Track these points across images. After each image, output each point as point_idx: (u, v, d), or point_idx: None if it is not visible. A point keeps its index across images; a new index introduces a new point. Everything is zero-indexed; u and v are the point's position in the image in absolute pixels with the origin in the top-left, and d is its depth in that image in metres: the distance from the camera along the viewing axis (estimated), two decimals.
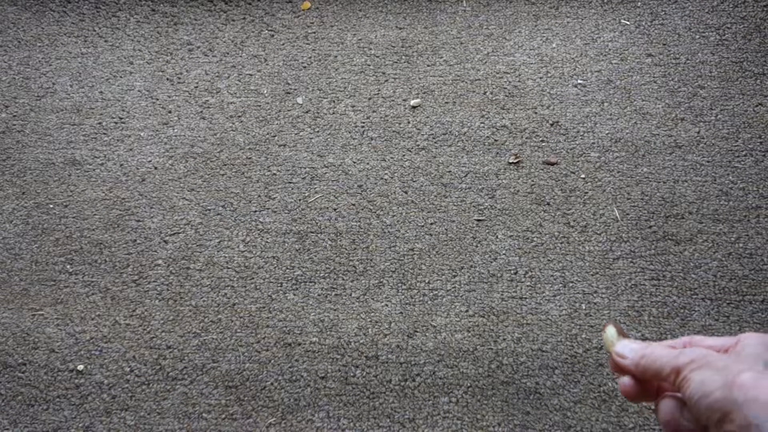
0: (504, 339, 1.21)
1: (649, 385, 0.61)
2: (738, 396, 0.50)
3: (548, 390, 1.16)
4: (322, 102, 1.51)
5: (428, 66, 1.57)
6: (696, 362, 0.54)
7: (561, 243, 1.32)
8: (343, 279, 1.29)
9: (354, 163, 1.43)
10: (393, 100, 1.51)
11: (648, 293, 1.25)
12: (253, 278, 1.30)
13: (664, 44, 1.58)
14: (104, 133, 1.50)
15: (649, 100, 1.49)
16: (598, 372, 1.18)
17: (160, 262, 1.32)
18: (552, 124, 1.47)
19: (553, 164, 1.41)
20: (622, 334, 0.72)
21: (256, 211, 1.37)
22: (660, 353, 0.59)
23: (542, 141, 1.44)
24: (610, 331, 0.73)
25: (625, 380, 0.63)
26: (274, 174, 1.42)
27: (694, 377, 0.53)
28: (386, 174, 1.41)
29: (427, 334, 1.22)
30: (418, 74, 1.54)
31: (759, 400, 0.49)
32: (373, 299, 1.27)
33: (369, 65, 1.57)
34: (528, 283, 1.27)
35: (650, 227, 1.33)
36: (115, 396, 1.18)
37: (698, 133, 1.44)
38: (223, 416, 1.16)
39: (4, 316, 1.27)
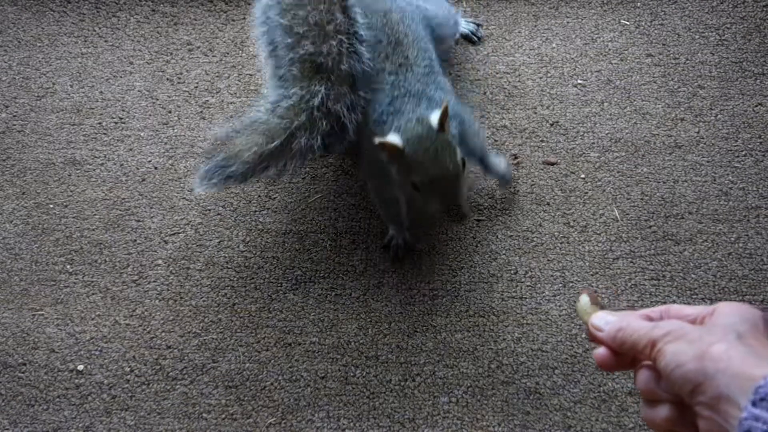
0: (504, 339, 1.21)
1: (625, 355, 0.61)
2: (709, 367, 0.49)
3: (548, 390, 1.16)
4: None
5: None
6: (671, 334, 0.54)
7: (561, 243, 1.32)
8: (343, 279, 1.29)
9: (354, 163, 1.43)
10: None
11: (648, 293, 1.25)
12: (253, 278, 1.30)
13: (664, 44, 1.58)
14: (104, 133, 1.50)
15: (648, 100, 1.49)
16: (598, 372, 1.18)
17: (160, 262, 1.32)
18: (552, 124, 1.47)
19: (552, 164, 1.41)
20: (596, 303, 0.71)
21: (256, 211, 1.37)
22: (636, 326, 0.58)
23: (542, 141, 1.44)
24: (584, 300, 0.72)
25: (601, 351, 0.63)
26: None
27: (668, 349, 0.53)
28: None
29: (427, 334, 1.22)
30: None
31: (729, 372, 0.48)
32: (373, 299, 1.27)
33: None
34: (528, 283, 1.27)
35: (650, 227, 1.33)
36: (115, 396, 1.18)
37: (698, 133, 1.44)
38: (223, 416, 1.16)
39: (4, 316, 1.27)
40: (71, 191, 1.42)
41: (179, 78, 1.58)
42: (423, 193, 1.06)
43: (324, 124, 1.13)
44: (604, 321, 0.63)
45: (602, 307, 0.69)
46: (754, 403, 0.46)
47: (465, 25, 1.57)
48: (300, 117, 1.13)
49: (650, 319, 0.62)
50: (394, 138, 1.04)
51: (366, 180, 1.31)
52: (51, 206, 1.40)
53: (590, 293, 0.72)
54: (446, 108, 1.02)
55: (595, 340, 0.64)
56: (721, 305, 0.57)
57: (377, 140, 1.03)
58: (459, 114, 1.19)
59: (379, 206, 1.30)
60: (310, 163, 1.43)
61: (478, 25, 1.59)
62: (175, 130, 1.49)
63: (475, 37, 1.57)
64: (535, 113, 1.48)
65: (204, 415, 1.16)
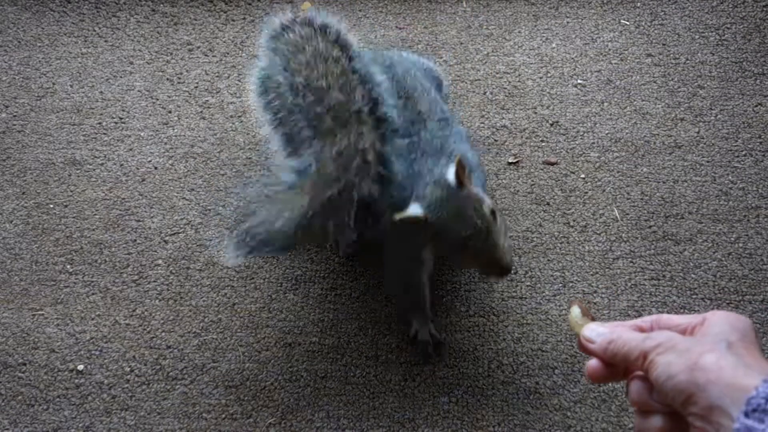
0: (504, 339, 1.21)
1: (617, 367, 0.61)
2: (700, 378, 0.50)
3: (548, 390, 1.16)
4: None
5: None
6: (662, 346, 0.54)
7: (561, 243, 1.32)
8: (343, 279, 1.29)
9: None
10: None
11: (648, 293, 1.25)
12: (253, 278, 1.30)
13: (664, 44, 1.58)
14: (104, 133, 1.50)
15: (648, 100, 1.49)
16: None
17: (160, 262, 1.32)
18: (552, 124, 1.47)
19: (552, 164, 1.41)
20: (587, 314, 0.71)
21: None
22: (627, 338, 0.59)
23: (542, 141, 1.44)
24: (575, 311, 0.72)
25: (593, 363, 0.63)
26: None
27: (659, 360, 0.54)
28: None
29: None
30: None
31: (720, 382, 0.49)
32: (373, 299, 1.27)
33: None
34: (528, 283, 1.27)
35: (650, 227, 1.33)
36: (115, 396, 1.18)
37: (698, 133, 1.44)
38: (223, 416, 1.16)
39: (4, 316, 1.27)
40: (71, 191, 1.42)
41: (179, 78, 1.58)
42: (459, 256, 1.01)
43: (380, 168, 1.02)
44: (596, 333, 0.63)
45: (593, 319, 0.69)
46: (746, 414, 0.46)
47: None
48: (354, 161, 1.01)
49: (641, 329, 0.62)
50: (414, 210, 0.97)
51: (386, 266, 1.20)
52: (51, 206, 1.40)
53: (581, 304, 0.72)
54: (459, 161, 0.95)
55: (587, 352, 0.64)
56: (710, 314, 0.57)
57: (397, 217, 0.96)
58: (477, 165, 1.12)
59: (400, 295, 1.21)
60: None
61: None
62: (175, 130, 1.49)
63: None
64: (535, 113, 1.48)
65: (204, 415, 1.16)
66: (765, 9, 1.62)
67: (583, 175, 1.40)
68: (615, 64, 1.55)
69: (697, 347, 0.52)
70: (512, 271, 0.97)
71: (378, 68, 1.11)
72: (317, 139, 1.05)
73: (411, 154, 1.05)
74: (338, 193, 1.01)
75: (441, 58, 1.58)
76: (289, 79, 1.09)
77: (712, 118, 1.46)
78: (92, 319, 1.26)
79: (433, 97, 1.14)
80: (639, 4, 1.65)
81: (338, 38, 1.08)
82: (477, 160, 1.13)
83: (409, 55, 1.33)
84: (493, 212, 0.98)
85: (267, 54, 1.13)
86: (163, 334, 1.24)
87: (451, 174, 0.97)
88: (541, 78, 1.54)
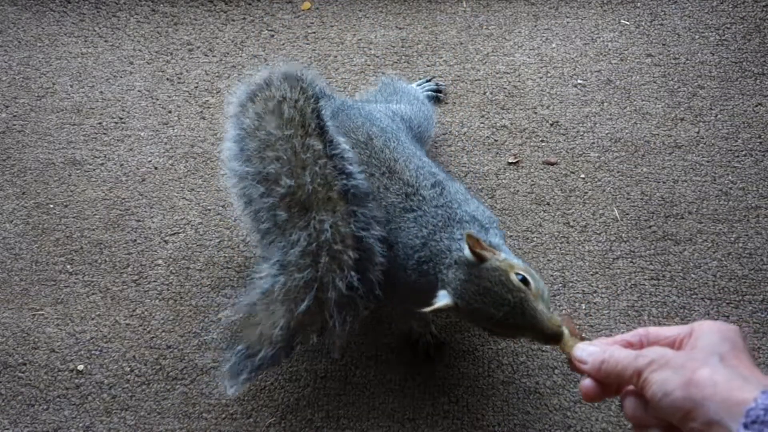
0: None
1: (610, 384, 0.62)
2: (696, 395, 0.50)
3: (548, 389, 1.16)
4: None
5: (428, 66, 1.57)
6: (655, 363, 0.55)
7: (561, 243, 1.32)
8: None
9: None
10: None
11: (648, 293, 1.25)
12: (253, 278, 1.30)
13: (664, 44, 1.58)
14: (104, 133, 1.50)
15: (648, 100, 1.49)
16: None
17: (160, 262, 1.32)
18: (552, 124, 1.47)
19: (552, 164, 1.41)
20: (575, 333, 0.72)
21: None
22: (619, 357, 0.59)
23: (542, 141, 1.44)
24: (564, 332, 0.73)
25: (587, 383, 0.63)
26: None
27: (654, 378, 0.54)
28: None
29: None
30: (417, 74, 1.54)
31: (716, 398, 0.49)
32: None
33: (369, 65, 1.57)
34: None
35: (650, 227, 1.33)
36: (115, 396, 1.18)
37: (698, 133, 1.44)
38: (223, 416, 1.16)
39: (4, 316, 1.27)
40: (71, 191, 1.42)
41: (179, 78, 1.58)
42: (501, 334, 0.95)
43: (350, 253, 0.96)
44: (587, 353, 0.63)
45: (582, 338, 0.70)
46: (745, 426, 0.47)
47: (428, 91, 1.48)
48: (321, 258, 0.95)
49: (630, 345, 0.62)
50: (443, 300, 0.92)
51: (397, 305, 1.17)
52: (51, 206, 1.40)
53: (568, 323, 0.72)
54: (469, 237, 0.88)
55: (579, 371, 0.64)
56: (697, 325, 0.57)
57: (427, 310, 0.91)
58: (490, 218, 1.04)
59: (405, 320, 1.20)
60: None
61: (437, 85, 1.50)
62: (175, 130, 1.49)
63: (440, 95, 1.49)
64: (535, 113, 1.48)
65: (204, 415, 1.16)
66: (765, 9, 1.62)
67: (583, 175, 1.40)
68: (615, 64, 1.55)
69: (691, 363, 0.53)
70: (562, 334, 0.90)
71: (345, 139, 1.06)
72: (278, 235, 1.00)
73: (422, 229, 0.99)
74: (313, 300, 0.96)
75: (441, 58, 1.58)
76: (246, 166, 1.04)
77: (712, 118, 1.46)
78: (92, 319, 1.26)
79: (417, 164, 1.07)
80: (639, 4, 1.65)
81: (305, 105, 1.01)
82: (489, 213, 1.06)
83: (387, 103, 1.28)
84: (524, 280, 0.87)
85: (232, 128, 1.08)
86: (163, 334, 1.24)
87: (466, 250, 0.90)
88: (541, 78, 1.54)
